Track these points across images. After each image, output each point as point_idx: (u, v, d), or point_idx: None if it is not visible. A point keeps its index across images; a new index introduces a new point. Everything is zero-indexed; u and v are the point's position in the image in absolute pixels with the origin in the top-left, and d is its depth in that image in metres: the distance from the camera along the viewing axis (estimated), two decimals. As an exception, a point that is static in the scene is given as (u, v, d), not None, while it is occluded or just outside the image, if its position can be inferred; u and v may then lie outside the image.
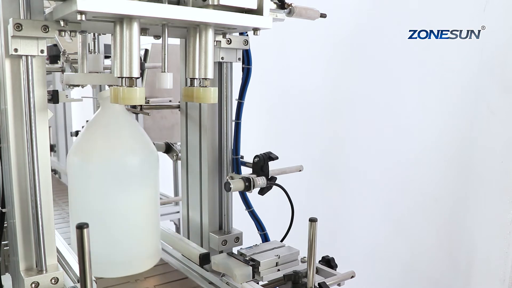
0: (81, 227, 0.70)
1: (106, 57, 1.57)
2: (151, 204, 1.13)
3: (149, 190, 1.12)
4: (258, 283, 1.07)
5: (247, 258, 1.10)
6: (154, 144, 1.65)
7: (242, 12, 0.88)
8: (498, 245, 1.53)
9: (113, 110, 1.10)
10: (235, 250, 1.22)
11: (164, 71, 0.92)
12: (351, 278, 1.08)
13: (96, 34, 1.49)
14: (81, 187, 1.08)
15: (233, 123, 1.23)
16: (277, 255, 1.11)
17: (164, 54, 0.91)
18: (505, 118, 1.49)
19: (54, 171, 2.62)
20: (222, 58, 1.15)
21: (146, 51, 1.60)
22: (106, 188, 1.06)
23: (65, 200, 2.02)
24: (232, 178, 1.16)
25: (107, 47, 1.55)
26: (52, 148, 2.72)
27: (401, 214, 1.84)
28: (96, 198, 1.06)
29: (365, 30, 1.86)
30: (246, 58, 1.20)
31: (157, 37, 1.03)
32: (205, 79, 0.94)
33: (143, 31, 0.92)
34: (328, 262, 1.12)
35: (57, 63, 1.62)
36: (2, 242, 1.11)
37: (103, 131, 1.10)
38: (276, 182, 1.20)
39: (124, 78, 0.81)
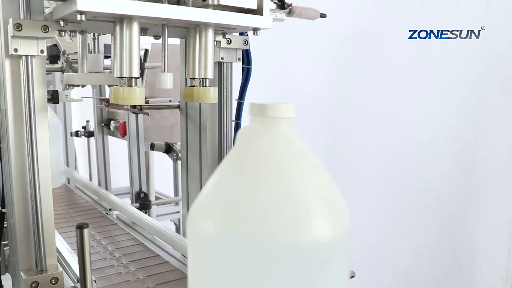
0: (81, 227, 0.70)
1: (106, 57, 1.58)
2: None
3: (339, 284, 0.61)
4: (258, 283, 1.07)
5: (247, 258, 1.10)
6: (154, 144, 1.60)
7: (242, 12, 0.88)
8: (501, 244, 1.53)
9: (281, 138, 0.61)
10: (235, 250, 1.22)
11: (164, 71, 0.92)
12: (351, 278, 1.08)
13: (96, 34, 1.49)
14: (219, 271, 0.58)
15: (233, 123, 1.23)
16: (277, 255, 1.10)
17: (164, 54, 0.91)
18: (507, 117, 1.49)
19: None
20: (222, 58, 1.15)
21: (146, 51, 1.61)
22: (266, 282, 0.55)
23: (67, 202, 2.02)
24: (232, 178, 1.15)
25: (107, 47, 1.55)
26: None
27: (403, 214, 1.84)
28: None
29: (365, 30, 1.86)
30: (246, 58, 1.20)
31: (157, 37, 1.03)
32: (205, 79, 0.94)
33: (143, 31, 0.92)
34: (328, 262, 1.12)
35: (57, 63, 1.63)
36: (2, 242, 1.11)
37: (260, 178, 0.57)
38: (276, 182, 1.20)
39: (124, 78, 0.81)
